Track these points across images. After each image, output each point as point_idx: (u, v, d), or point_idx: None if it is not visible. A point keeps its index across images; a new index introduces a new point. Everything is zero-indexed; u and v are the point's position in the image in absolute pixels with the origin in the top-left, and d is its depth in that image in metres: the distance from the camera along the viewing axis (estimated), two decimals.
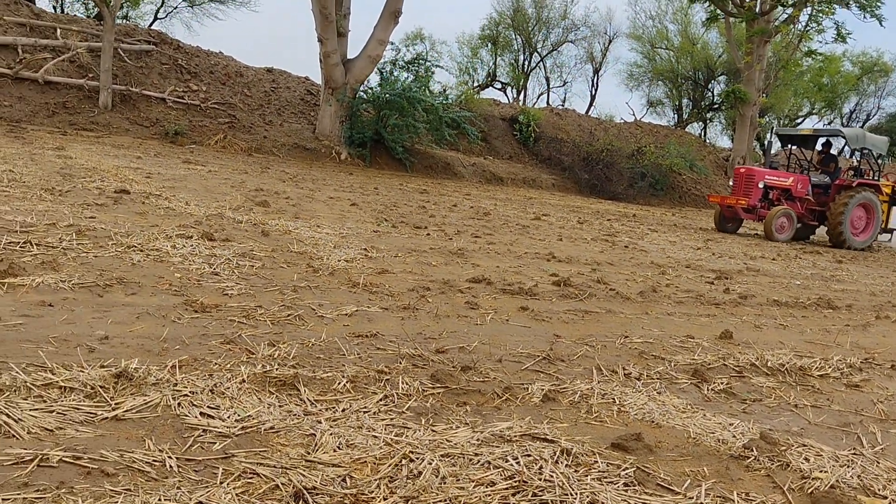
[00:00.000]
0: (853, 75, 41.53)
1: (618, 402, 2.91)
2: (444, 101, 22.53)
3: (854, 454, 2.63)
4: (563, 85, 41.93)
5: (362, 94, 21.40)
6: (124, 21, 24.49)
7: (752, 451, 2.50)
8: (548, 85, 40.95)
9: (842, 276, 8.58)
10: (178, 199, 7.31)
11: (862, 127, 43.95)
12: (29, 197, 6.06)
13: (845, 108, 43.85)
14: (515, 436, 2.41)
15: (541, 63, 40.14)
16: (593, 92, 40.80)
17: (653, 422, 2.74)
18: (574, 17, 38.54)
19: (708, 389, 3.25)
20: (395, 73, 22.19)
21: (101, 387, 2.36)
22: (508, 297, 4.73)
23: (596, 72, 40.50)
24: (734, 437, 2.65)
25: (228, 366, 2.78)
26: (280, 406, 2.44)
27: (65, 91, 17.92)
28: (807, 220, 14.66)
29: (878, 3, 22.57)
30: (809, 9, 23.98)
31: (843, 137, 14.79)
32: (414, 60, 22.25)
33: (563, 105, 38.27)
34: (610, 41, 40.05)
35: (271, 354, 3.01)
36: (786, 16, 24.87)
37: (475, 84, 39.38)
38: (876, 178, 15.04)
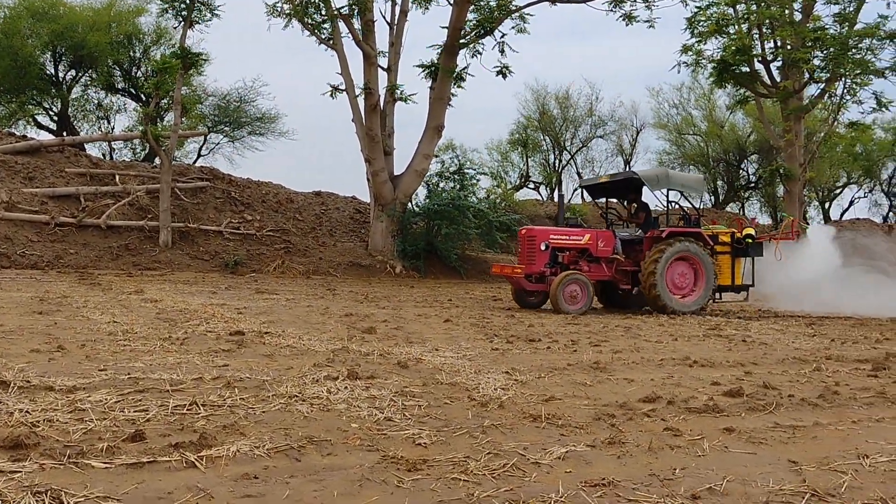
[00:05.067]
0: (887, 142, 41.32)
1: None
2: (492, 205, 22.70)
3: None
4: None
5: (413, 207, 21.60)
6: (175, 162, 25.26)
7: None
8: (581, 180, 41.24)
9: None
10: (291, 336, 7.09)
11: None
12: (154, 350, 5.87)
13: (884, 175, 43.43)
14: None
15: (571, 160, 40.61)
16: None
17: None
18: (600, 114, 39.08)
19: None
20: (441, 185, 22.49)
21: None
22: (698, 417, 4.34)
23: (627, 163, 40.84)
24: None
25: None
26: None
27: (126, 234, 18.28)
28: (620, 284, 12.35)
29: None
30: (845, 81, 24.04)
31: (640, 180, 12.39)
32: (458, 170, 22.55)
33: None
34: (638, 132, 40.55)
35: None
36: (819, 91, 25.02)
37: (509, 186, 39.83)
38: (697, 224, 12.68)
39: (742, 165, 39.75)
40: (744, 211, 40.90)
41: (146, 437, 3.38)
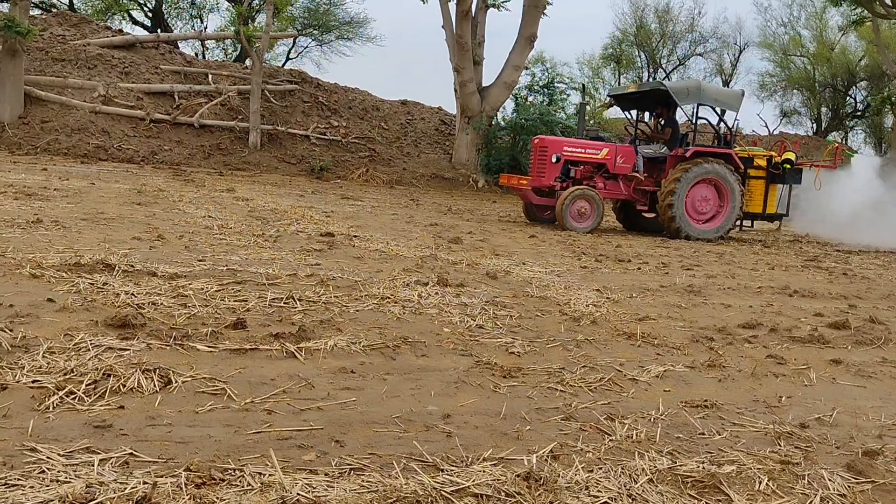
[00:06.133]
0: None
1: None
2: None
3: None
4: None
5: (500, 120, 21.19)
6: (265, 64, 25.39)
7: None
8: None
9: None
10: (379, 241, 7.13)
11: None
12: (249, 245, 6.00)
13: None
14: None
15: (666, 79, 38.88)
16: None
17: None
18: (702, 30, 37.05)
19: None
20: (530, 98, 21.89)
21: (516, 492, 2.00)
22: (802, 347, 4.16)
23: (726, 83, 38.83)
24: None
25: (604, 454, 2.39)
26: None
27: (218, 133, 18.61)
28: (637, 205, 11.33)
29: None
30: None
31: (667, 92, 10.90)
32: (548, 84, 21.86)
33: None
34: (741, 51, 38.40)
35: (630, 436, 2.59)
36: None
37: (598, 104, 38.60)
38: (729, 144, 11.31)
39: (850, 92, 37.26)
40: (847, 140, 38.58)
41: (247, 325, 3.45)
